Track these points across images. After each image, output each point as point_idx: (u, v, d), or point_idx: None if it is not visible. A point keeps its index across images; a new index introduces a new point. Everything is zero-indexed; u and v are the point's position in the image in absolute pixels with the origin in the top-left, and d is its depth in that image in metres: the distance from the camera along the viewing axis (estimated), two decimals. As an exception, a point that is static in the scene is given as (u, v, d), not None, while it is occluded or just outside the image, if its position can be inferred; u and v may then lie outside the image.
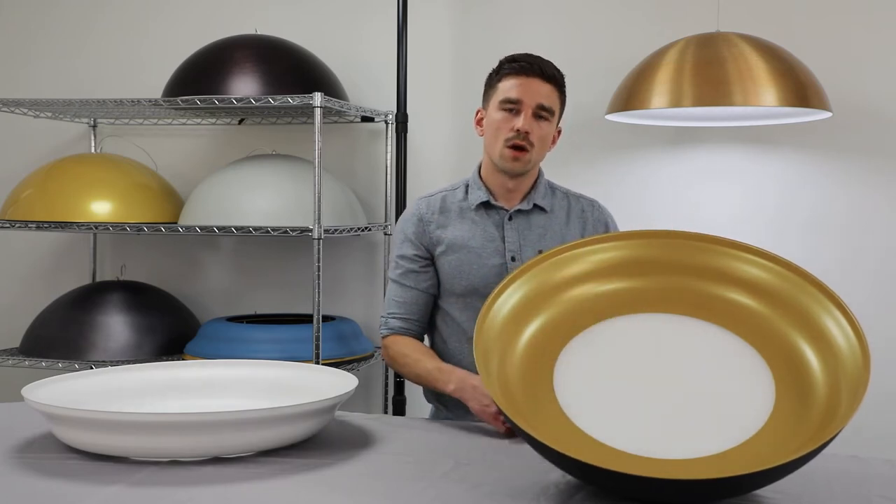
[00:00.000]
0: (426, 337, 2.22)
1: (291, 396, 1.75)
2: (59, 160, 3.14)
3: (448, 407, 2.16)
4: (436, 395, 2.18)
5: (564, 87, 2.12)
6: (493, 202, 2.14)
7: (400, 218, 2.22)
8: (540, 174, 2.19)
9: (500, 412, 1.82)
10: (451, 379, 1.99)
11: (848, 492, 1.51)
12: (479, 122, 2.16)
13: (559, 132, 2.16)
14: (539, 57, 2.11)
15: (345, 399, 1.70)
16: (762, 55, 2.48)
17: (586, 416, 1.51)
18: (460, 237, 2.12)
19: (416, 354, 2.10)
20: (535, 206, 2.15)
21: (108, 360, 2.95)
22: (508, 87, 2.07)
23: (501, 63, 2.12)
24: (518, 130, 2.05)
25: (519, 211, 2.14)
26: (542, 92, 2.06)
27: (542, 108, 2.06)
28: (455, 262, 2.11)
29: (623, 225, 2.24)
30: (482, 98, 2.16)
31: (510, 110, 2.06)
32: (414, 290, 2.14)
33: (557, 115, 2.12)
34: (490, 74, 2.14)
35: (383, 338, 2.18)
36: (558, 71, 2.11)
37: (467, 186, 2.18)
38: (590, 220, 2.18)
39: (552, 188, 2.20)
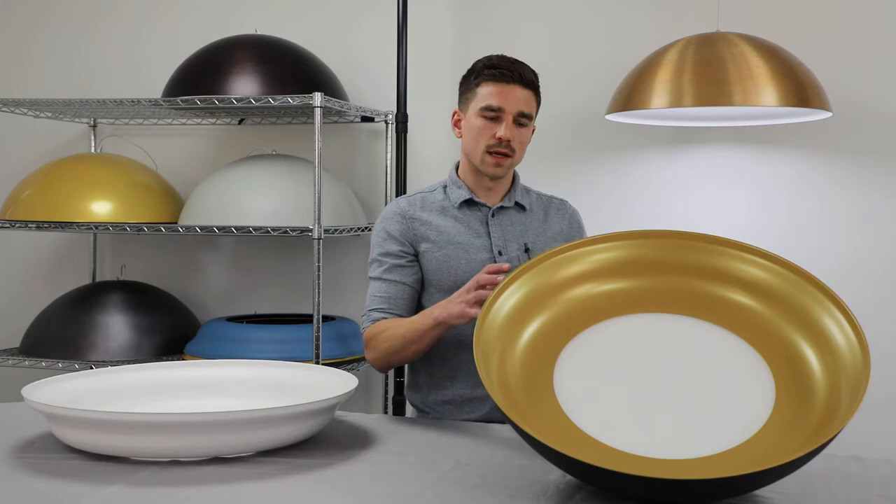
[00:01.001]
0: None
1: (291, 396, 1.75)
2: (59, 160, 3.14)
3: (431, 406, 2.15)
4: (420, 398, 2.18)
5: (540, 88, 2.14)
6: (475, 199, 2.16)
7: (378, 218, 2.19)
8: (515, 174, 2.21)
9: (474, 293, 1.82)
10: (433, 310, 1.95)
11: (848, 492, 1.51)
12: (456, 124, 2.17)
13: (532, 131, 2.17)
14: (517, 61, 2.11)
15: (345, 399, 1.70)
16: (762, 55, 2.48)
17: (586, 417, 1.51)
18: (446, 233, 2.13)
19: (392, 322, 2.06)
20: (517, 203, 2.19)
21: (108, 360, 2.95)
22: (488, 94, 2.07)
23: (479, 67, 2.11)
24: (500, 139, 2.07)
25: (501, 208, 2.17)
26: (521, 98, 2.08)
27: (522, 114, 2.09)
28: (442, 257, 2.12)
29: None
30: (458, 100, 2.17)
31: (490, 118, 2.08)
32: (399, 284, 2.12)
33: (534, 117, 2.15)
34: (467, 77, 2.14)
35: (364, 332, 2.10)
36: (535, 74, 2.12)
37: (445, 187, 2.20)
38: (566, 216, 2.24)
39: (525, 189, 2.24)
